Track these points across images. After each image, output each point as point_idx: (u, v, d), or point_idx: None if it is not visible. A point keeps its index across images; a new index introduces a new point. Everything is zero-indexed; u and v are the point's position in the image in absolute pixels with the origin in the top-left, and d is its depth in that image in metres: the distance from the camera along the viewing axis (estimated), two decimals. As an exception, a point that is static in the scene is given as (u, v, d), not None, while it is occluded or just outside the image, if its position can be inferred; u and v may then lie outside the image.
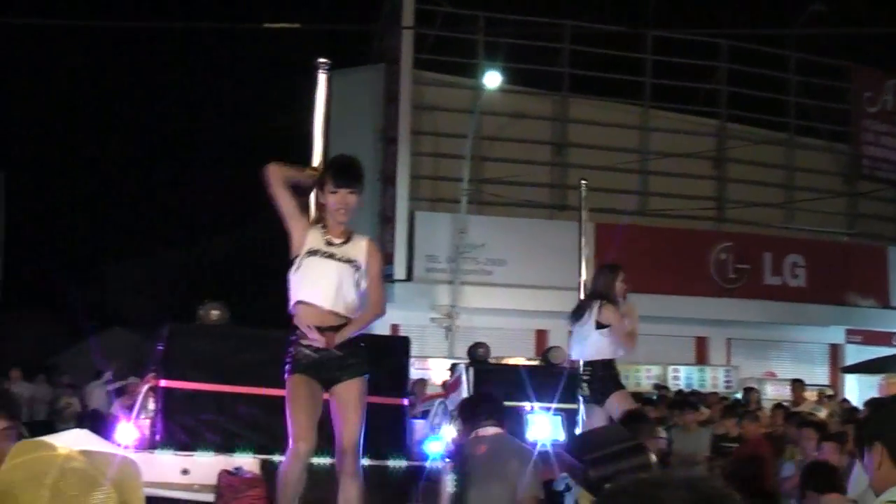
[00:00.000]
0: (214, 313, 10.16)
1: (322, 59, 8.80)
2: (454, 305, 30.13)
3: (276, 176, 7.39)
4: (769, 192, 35.63)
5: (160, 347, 9.87)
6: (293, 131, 8.75)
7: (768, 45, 35.68)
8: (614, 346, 11.14)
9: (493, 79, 30.39)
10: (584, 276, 13.09)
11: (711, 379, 29.77)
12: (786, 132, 36.64)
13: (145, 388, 10.31)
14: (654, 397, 22.94)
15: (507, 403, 9.46)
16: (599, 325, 11.09)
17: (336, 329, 7.22)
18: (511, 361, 17.44)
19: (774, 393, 28.03)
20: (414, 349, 21.06)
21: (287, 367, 7.28)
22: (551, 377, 12.75)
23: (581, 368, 11.26)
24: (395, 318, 30.03)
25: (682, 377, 29.61)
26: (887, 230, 37.51)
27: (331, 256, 7.29)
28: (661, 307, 31.24)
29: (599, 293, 11.40)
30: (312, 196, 7.80)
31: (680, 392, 25.10)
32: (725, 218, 35.37)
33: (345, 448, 7.25)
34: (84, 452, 2.37)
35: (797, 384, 24.95)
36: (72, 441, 2.42)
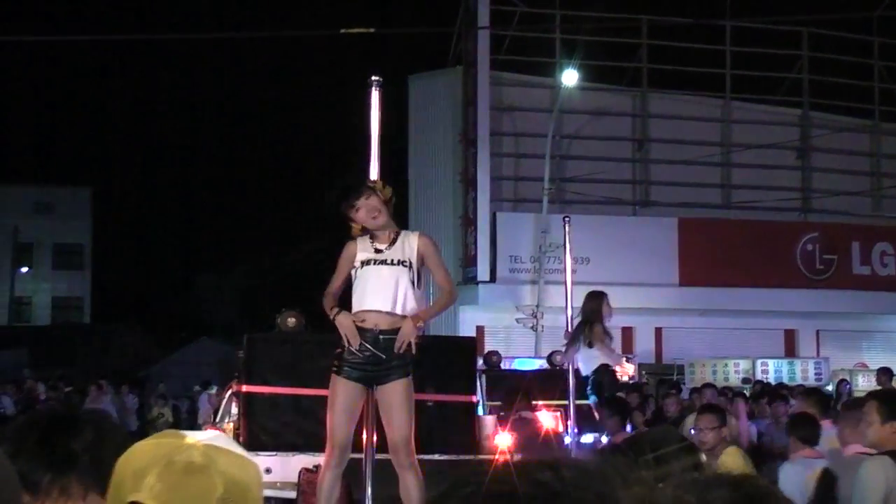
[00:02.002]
0: (291, 321, 10.68)
1: (375, 77, 8.98)
2: (539, 305, 30.06)
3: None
4: (855, 180, 35.18)
5: (241, 355, 10.18)
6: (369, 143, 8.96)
7: (851, 31, 35.20)
8: (608, 360, 12.67)
9: (571, 77, 30.30)
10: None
11: (801, 371, 29.34)
12: (871, 119, 36.13)
13: (228, 393, 10.66)
14: (746, 391, 22.61)
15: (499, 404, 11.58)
16: (590, 345, 12.41)
17: (396, 332, 7.44)
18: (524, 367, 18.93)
19: (866, 384, 27.56)
20: (500, 350, 21.13)
21: (335, 366, 7.54)
22: (554, 379, 13.48)
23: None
24: (481, 319, 30.09)
25: (772, 370, 29.25)
26: (978, 215, 36.85)
27: (382, 262, 7.54)
28: (747, 300, 31.01)
29: (588, 317, 12.72)
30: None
31: (763, 383, 24.79)
32: (811, 208, 34.95)
33: (395, 445, 7.45)
34: (207, 446, 2.49)
35: (883, 374, 24.52)
36: (203, 437, 2.56)
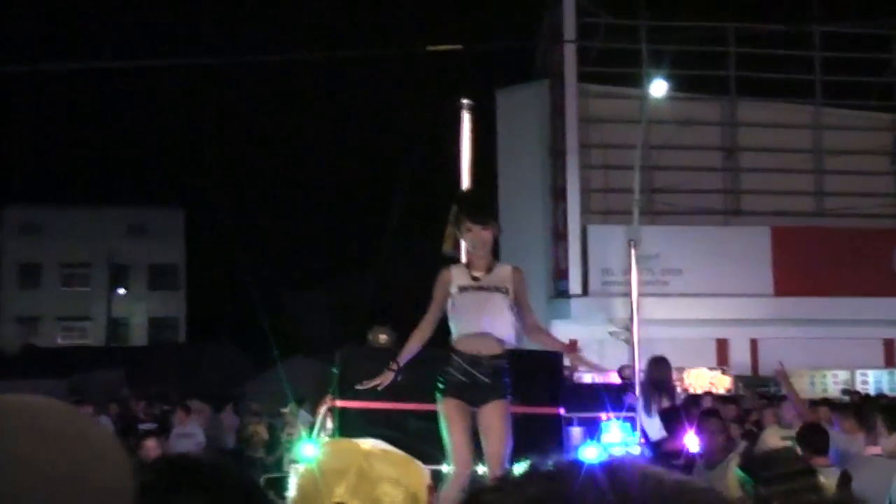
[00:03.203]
0: (382, 337, 11.20)
1: (465, 100, 9.18)
2: (631, 318, 29.85)
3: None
4: (952, 184, 34.55)
5: (335, 371, 10.39)
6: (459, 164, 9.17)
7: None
8: None
9: (659, 87, 30.13)
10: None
11: (903, 381, 28.91)
12: (966, 122, 35.46)
13: (324, 408, 10.88)
14: (845, 402, 22.23)
15: (586, 415, 12.65)
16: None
17: (500, 357, 7.75)
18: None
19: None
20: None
21: (439, 388, 7.81)
22: (622, 391, 14.27)
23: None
24: (573, 332, 29.86)
25: (871, 381, 28.81)
26: None
27: (480, 288, 7.77)
28: (844, 310, 30.52)
29: (656, 383, 13.43)
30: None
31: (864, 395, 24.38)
32: (906, 214, 34.37)
33: (494, 461, 7.63)
34: (383, 450, 2.73)
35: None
36: (371, 444, 2.81)
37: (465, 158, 8.99)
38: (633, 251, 14.47)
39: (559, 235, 31.83)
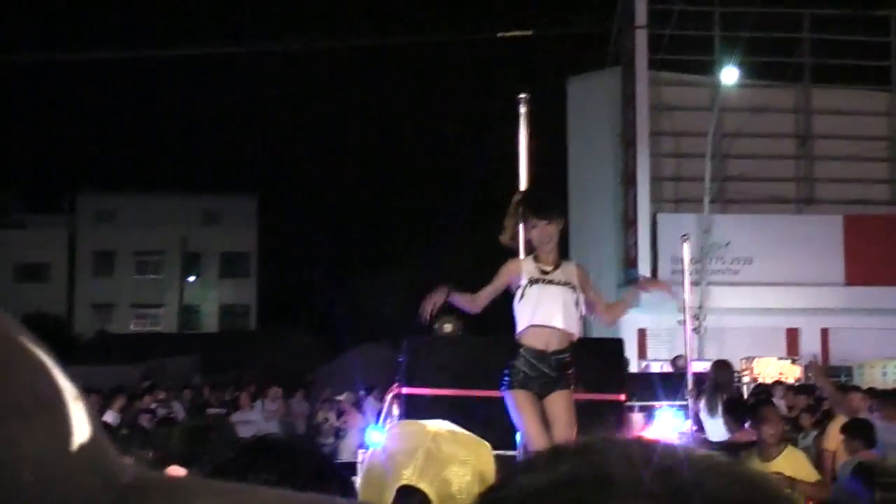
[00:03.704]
0: (447, 326, 11.42)
1: (522, 94, 9.36)
2: (701, 306, 29.72)
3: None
4: None
5: (401, 359, 10.57)
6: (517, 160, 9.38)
7: None
8: None
9: (730, 74, 29.90)
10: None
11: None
12: None
13: (390, 396, 11.13)
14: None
15: (643, 403, 13.24)
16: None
17: (565, 351, 7.89)
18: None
19: None
20: (663, 353, 21.06)
21: (506, 381, 7.93)
22: (676, 380, 14.67)
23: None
24: (643, 321, 29.81)
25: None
26: None
27: (550, 282, 7.91)
28: (917, 299, 30.16)
29: (719, 385, 13.68)
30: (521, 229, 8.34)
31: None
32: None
33: None
34: (451, 431, 2.81)
35: None
36: (438, 425, 2.89)
37: (522, 154, 9.13)
38: (683, 245, 14.95)
39: (629, 223, 31.69)
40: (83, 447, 0.79)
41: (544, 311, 7.85)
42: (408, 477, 2.73)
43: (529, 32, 27.21)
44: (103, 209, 65.46)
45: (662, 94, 32.74)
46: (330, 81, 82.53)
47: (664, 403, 13.46)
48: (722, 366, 14.32)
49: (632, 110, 32.04)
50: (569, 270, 8.01)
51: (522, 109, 9.25)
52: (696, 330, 29.18)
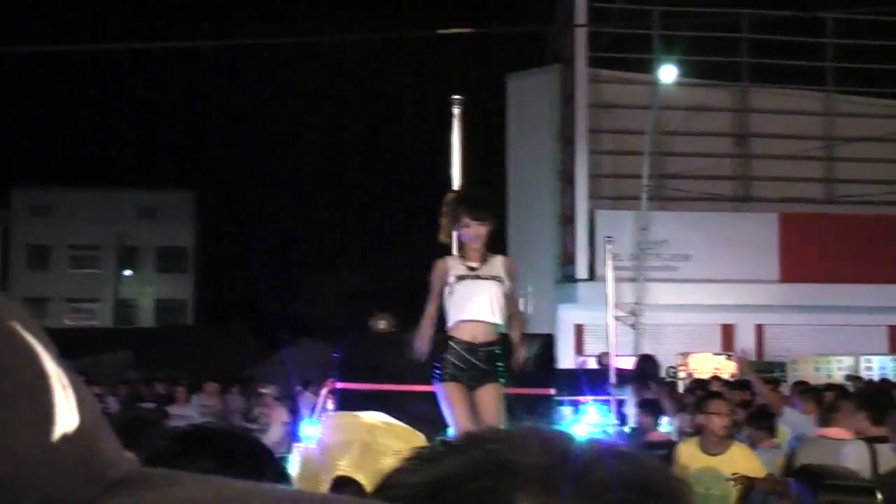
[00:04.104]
0: (381, 323, 12.05)
1: (455, 96, 9.58)
2: (638, 303, 29.91)
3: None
4: (965, 172, 34.42)
5: (335, 355, 10.88)
6: (469, 150, 9.51)
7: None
8: None
9: (669, 73, 30.08)
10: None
11: (906, 368, 28.76)
12: (981, 110, 35.31)
13: (325, 390, 11.37)
14: (850, 389, 22.15)
15: (568, 397, 13.61)
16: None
17: (492, 343, 8.06)
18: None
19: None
20: (600, 348, 21.23)
21: (437, 373, 8.07)
22: (600, 376, 15.49)
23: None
24: (579, 318, 29.97)
25: (876, 367, 28.69)
26: None
27: (477, 277, 8.09)
28: (850, 296, 30.51)
29: (643, 377, 14.80)
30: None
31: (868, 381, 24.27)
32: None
33: None
34: (386, 423, 2.79)
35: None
36: (374, 416, 2.87)
37: (455, 154, 9.33)
38: (607, 246, 15.95)
39: (567, 220, 31.81)
40: (67, 438, 0.75)
41: (473, 305, 8.03)
42: (343, 468, 2.70)
43: (469, 30, 27.17)
44: (38, 204, 64.87)
45: (601, 91, 32.89)
46: (268, 79, 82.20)
47: (590, 398, 14.07)
48: (646, 359, 15.33)
49: (571, 108, 32.17)
50: (496, 263, 8.17)
51: (456, 111, 9.44)
52: (633, 326, 29.37)
